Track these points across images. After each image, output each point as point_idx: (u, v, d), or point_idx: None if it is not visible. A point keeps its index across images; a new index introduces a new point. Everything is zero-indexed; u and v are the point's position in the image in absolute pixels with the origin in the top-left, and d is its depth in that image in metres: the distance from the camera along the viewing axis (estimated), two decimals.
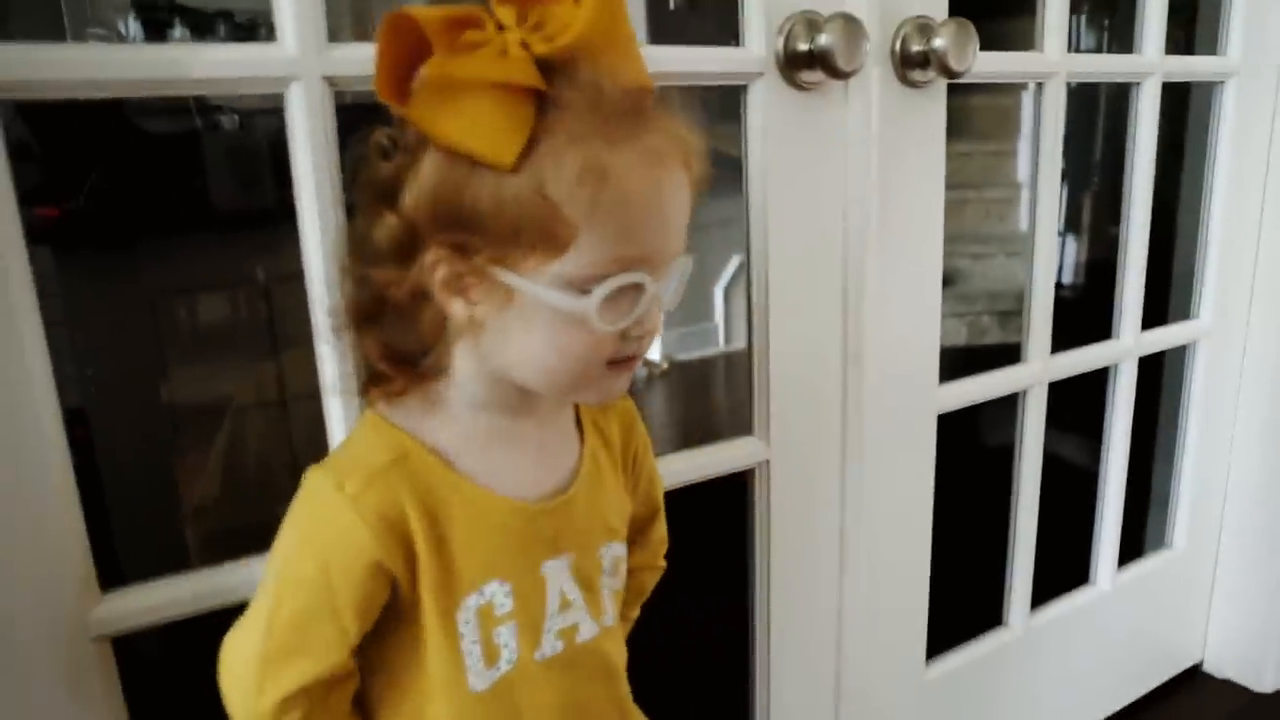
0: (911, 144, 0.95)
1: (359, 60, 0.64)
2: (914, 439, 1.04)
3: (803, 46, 0.83)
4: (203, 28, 1.13)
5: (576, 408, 0.61)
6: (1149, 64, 1.19)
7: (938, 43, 0.88)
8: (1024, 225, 2.53)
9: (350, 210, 0.62)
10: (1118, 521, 1.35)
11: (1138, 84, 1.20)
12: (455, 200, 0.47)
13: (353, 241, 0.53)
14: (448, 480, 0.53)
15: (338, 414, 0.68)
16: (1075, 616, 1.32)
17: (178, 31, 1.16)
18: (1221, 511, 1.48)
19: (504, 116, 0.45)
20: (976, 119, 2.83)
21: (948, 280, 2.80)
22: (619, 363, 0.51)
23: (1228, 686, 1.49)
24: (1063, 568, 1.37)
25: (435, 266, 0.48)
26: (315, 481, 0.52)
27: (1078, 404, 1.36)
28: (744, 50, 0.83)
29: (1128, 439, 1.33)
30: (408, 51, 0.46)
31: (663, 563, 0.73)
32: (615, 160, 0.46)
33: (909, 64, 0.91)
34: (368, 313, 0.52)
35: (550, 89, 0.46)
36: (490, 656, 0.54)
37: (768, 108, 0.85)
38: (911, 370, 1.02)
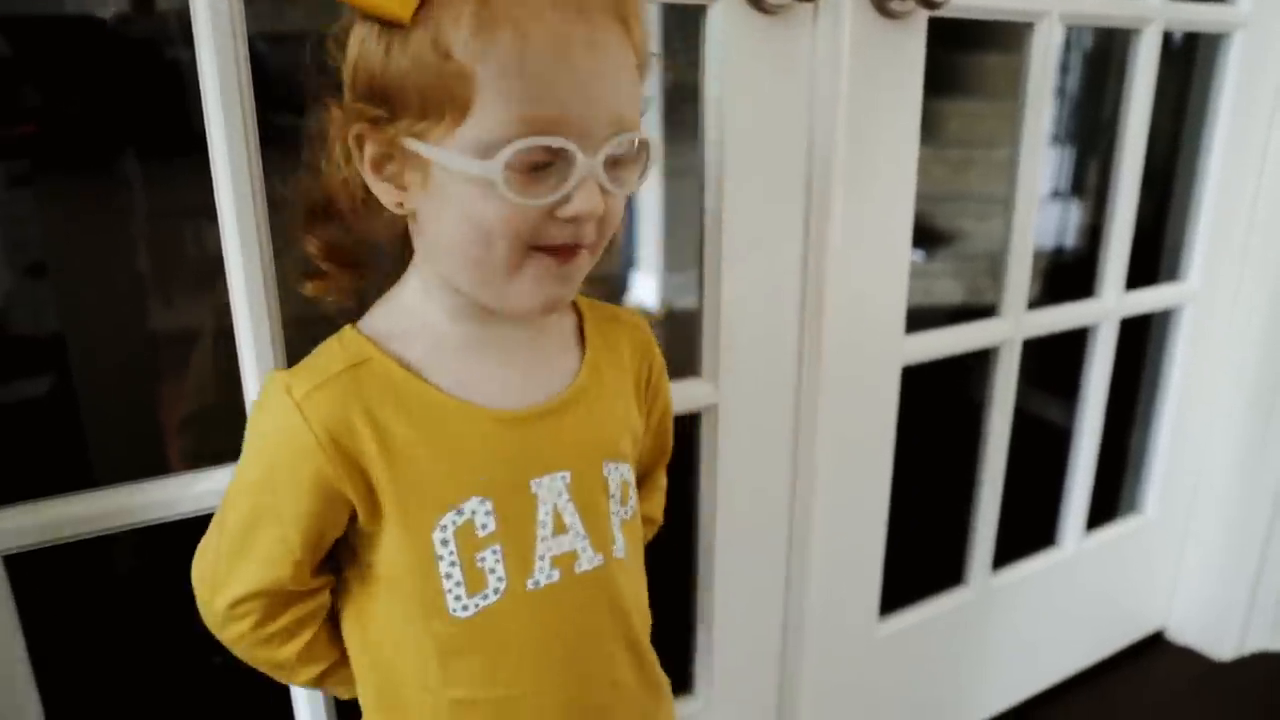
0: (885, 79, 0.90)
1: None
2: (875, 389, 1.01)
3: None
4: None
5: (579, 318, 0.58)
6: (1151, 9, 1.13)
7: None
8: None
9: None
10: (1088, 484, 1.33)
11: (1137, 31, 1.15)
12: (369, 70, 0.46)
13: (312, 144, 0.52)
14: (413, 389, 0.50)
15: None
16: (1037, 579, 1.31)
17: None
18: (1196, 480, 1.45)
19: None
20: (990, 77, 2.76)
21: (950, 239, 2.75)
22: (551, 251, 0.47)
23: (1188, 654, 1.48)
24: (1032, 529, 1.35)
25: (361, 144, 0.47)
26: (268, 384, 0.51)
27: (1064, 363, 1.33)
28: None
29: (1104, 401, 1.30)
30: None
31: (660, 517, 0.70)
32: (515, 8, 0.43)
33: None
34: (316, 212, 0.52)
35: None
36: (474, 582, 0.51)
37: (729, 32, 0.80)
38: (876, 318, 0.98)
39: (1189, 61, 1.35)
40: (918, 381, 1.06)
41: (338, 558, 0.54)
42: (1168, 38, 1.16)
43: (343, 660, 0.57)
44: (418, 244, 0.51)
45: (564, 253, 0.47)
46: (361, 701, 0.57)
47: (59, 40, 0.98)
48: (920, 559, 1.21)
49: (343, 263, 0.53)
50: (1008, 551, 1.28)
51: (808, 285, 0.91)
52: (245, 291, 0.64)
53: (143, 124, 1.09)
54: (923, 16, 0.90)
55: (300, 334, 0.70)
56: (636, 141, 0.48)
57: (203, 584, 0.54)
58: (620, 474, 0.56)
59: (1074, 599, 1.36)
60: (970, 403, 1.21)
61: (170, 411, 1.20)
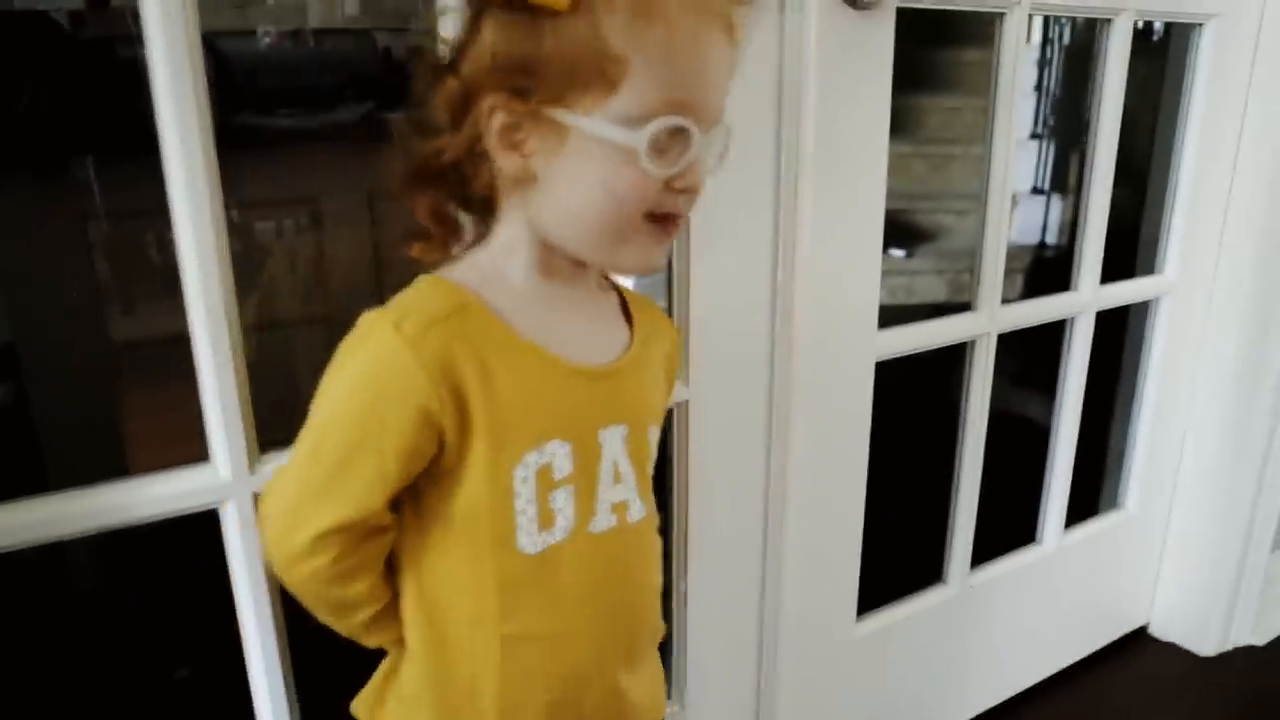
0: (854, 70, 0.89)
1: None
2: (849, 385, 1.00)
3: None
4: None
5: (621, 297, 0.63)
6: None
7: None
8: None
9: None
10: (1067, 481, 1.32)
11: (1109, 21, 1.14)
12: (515, 50, 0.50)
13: (408, 114, 0.55)
14: (508, 338, 0.54)
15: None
16: (1018, 576, 1.29)
17: None
18: (1177, 474, 1.45)
19: None
20: (967, 73, 2.77)
21: (930, 236, 2.75)
22: (659, 220, 0.53)
23: (1172, 650, 1.48)
24: (1012, 526, 1.34)
25: (493, 114, 0.51)
26: (373, 322, 0.53)
27: (1043, 361, 1.32)
28: None
29: (1081, 396, 1.29)
30: None
31: None
32: (664, 5, 0.50)
33: None
34: (421, 176, 0.55)
35: None
36: (545, 520, 0.55)
37: None
38: (848, 313, 0.97)
39: (1163, 54, 1.35)
40: (895, 380, 1.05)
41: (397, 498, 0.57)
42: (1145, 32, 1.16)
43: (393, 602, 0.59)
44: (527, 203, 0.54)
45: (668, 221, 0.54)
46: (409, 641, 0.59)
47: (8, 37, 0.96)
48: (899, 557, 1.20)
49: (444, 222, 0.57)
50: (988, 549, 1.27)
51: (778, 277, 0.90)
52: (202, 292, 0.64)
53: (101, 124, 1.07)
54: (891, 7, 0.89)
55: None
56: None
57: (281, 519, 0.54)
58: (655, 437, 0.63)
59: (1056, 596, 1.35)
60: (949, 402, 1.20)
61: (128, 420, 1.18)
